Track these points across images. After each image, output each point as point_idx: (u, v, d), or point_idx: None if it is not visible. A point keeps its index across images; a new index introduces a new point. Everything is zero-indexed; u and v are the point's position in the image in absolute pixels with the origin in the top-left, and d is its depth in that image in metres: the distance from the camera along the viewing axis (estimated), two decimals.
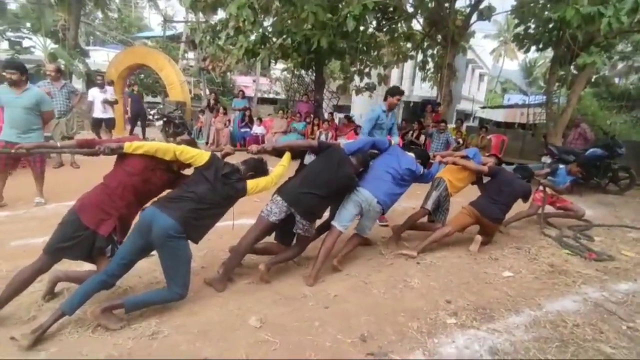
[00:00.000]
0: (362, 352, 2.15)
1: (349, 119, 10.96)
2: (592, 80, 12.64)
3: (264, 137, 9.68)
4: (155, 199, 2.44)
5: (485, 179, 4.16)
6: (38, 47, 13.87)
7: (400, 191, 3.38)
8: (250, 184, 2.64)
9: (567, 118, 8.74)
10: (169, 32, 21.41)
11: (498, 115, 19.48)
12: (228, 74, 21.30)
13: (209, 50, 10.59)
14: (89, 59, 16.49)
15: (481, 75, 27.30)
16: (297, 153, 3.16)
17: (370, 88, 11.86)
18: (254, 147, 2.99)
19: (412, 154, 3.57)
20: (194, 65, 19.50)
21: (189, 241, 2.38)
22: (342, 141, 3.80)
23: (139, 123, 10.56)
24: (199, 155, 2.49)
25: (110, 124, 7.56)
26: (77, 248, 2.24)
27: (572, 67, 8.70)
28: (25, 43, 15.02)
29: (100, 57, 20.13)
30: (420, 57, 10.96)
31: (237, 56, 8.98)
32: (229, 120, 10.19)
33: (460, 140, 8.80)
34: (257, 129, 9.98)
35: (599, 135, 8.62)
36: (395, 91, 4.27)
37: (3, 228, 3.56)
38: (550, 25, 8.25)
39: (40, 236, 3.37)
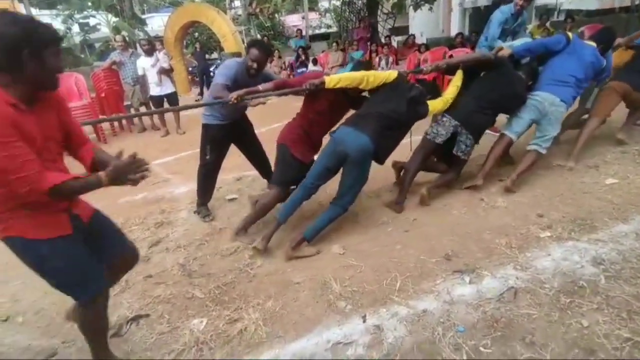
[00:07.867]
0: (448, 270, 2.14)
1: (413, 40, 10.01)
2: None
3: (322, 74, 9.42)
4: (343, 120, 2.60)
5: None
6: (103, 23, 14.66)
7: (580, 91, 3.09)
8: (431, 104, 2.68)
9: None
10: None
11: (590, 3, 16.27)
12: (276, 15, 20.64)
13: None
14: (147, 26, 17.17)
15: None
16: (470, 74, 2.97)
17: (430, 0, 10.58)
18: (427, 66, 2.94)
19: (592, 43, 3.06)
20: (241, 14, 19.19)
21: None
22: (510, 43, 3.39)
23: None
24: (388, 76, 2.56)
25: (173, 100, 6.00)
26: (297, 177, 2.58)
27: None
28: (92, 22, 15.97)
29: (156, 23, 20.78)
30: None
31: None
32: (284, 63, 10.02)
33: None
34: (312, 68, 9.70)
35: None
36: None
37: (109, 188, 4.07)
38: None
39: (139, 192, 3.81)
